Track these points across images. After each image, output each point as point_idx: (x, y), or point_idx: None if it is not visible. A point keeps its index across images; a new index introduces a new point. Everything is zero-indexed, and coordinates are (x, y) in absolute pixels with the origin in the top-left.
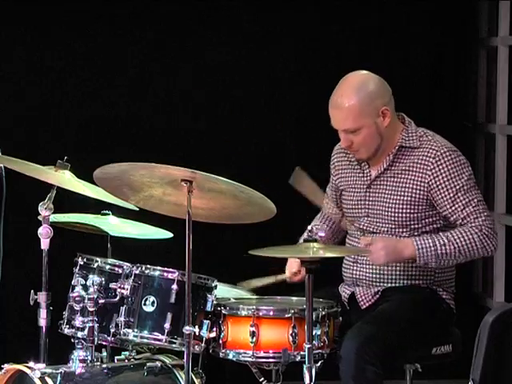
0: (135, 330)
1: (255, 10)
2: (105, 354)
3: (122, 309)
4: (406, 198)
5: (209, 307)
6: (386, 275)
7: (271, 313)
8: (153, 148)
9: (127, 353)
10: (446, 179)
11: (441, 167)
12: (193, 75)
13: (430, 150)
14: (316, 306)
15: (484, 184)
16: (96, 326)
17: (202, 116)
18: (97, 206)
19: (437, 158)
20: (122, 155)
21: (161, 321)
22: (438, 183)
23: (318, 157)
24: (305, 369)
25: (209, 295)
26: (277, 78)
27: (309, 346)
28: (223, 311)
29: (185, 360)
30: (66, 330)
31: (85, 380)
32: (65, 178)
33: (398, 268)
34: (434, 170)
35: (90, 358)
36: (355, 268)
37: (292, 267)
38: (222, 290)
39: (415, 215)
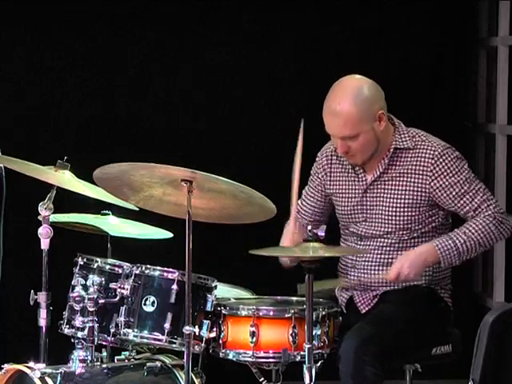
0: (135, 330)
1: (255, 10)
2: (105, 354)
3: (122, 309)
4: (406, 201)
5: (209, 307)
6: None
7: (271, 313)
8: (153, 148)
9: (127, 353)
10: (448, 177)
11: (440, 166)
12: (193, 75)
13: (427, 151)
14: (316, 306)
15: (484, 184)
16: (96, 325)
17: (202, 116)
18: (97, 206)
19: (435, 159)
20: (122, 155)
21: (161, 321)
22: (441, 183)
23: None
24: (305, 369)
25: (209, 295)
26: (277, 78)
27: (309, 346)
28: (223, 311)
29: (185, 360)
30: (66, 330)
31: (85, 380)
32: (65, 178)
33: None
34: (434, 171)
35: (89, 357)
36: (353, 273)
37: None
38: (222, 290)
39: (416, 217)
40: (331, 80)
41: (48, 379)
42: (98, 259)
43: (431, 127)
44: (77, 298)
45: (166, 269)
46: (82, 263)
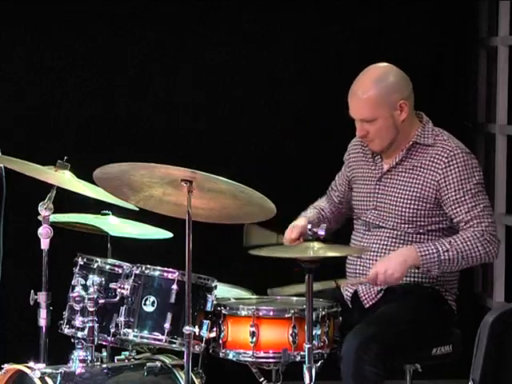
0: (135, 330)
1: (255, 9)
2: (105, 354)
3: (122, 309)
4: (413, 194)
5: (209, 307)
6: None
7: (271, 313)
8: (153, 148)
9: (127, 353)
10: (455, 180)
11: (452, 167)
12: (193, 75)
13: (444, 149)
14: (316, 306)
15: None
16: (96, 325)
17: (202, 116)
18: (97, 206)
19: (449, 158)
20: (122, 155)
21: (161, 321)
22: (447, 182)
23: (318, 157)
24: (305, 369)
25: (209, 295)
26: (277, 78)
27: (309, 346)
28: (223, 311)
29: (185, 360)
30: (66, 330)
31: (85, 380)
32: (65, 178)
33: None
34: (445, 170)
35: (90, 357)
36: (358, 263)
37: (292, 233)
38: (222, 290)
39: (421, 212)
40: (331, 80)
41: (48, 379)
42: (98, 259)
43: None
44: (77, 298)
45: (166, 269)
46: (81, 263)
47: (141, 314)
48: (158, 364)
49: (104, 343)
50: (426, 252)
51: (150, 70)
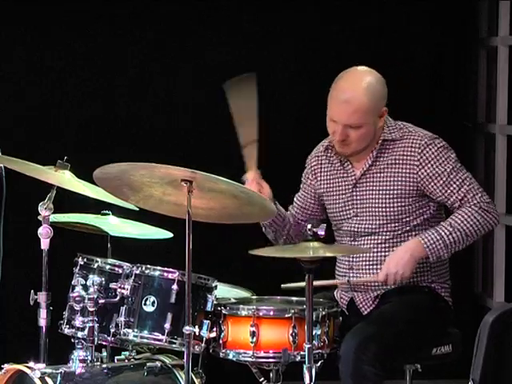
0: (135, 330)
1: (255, 9)
2: (105, 354)
3: (122, 309)
4: (395, 192)
5: (209, 307)
6: None
7: (271, 313)
8: (153, 148)
9: (127, 353)
10: (435, 166)
11: (427, 155)
12: (193, 75)
13: (414, 141)
14: (316, 306)
15: (484, 184)
16: (96, 325)
17: (202, 116)
18: (97, 206)
19: (422, 148)
20: (121, 155)
21: (161, 321)
22: (428, 172)
23: None
24: (305, 369)
25: (209, 295)
26: (277, 78)
27: (309, 345)
28: (223, 311)
29: (185, 360)
30: (66, 330)
31: (85, 380)
32: (65, 178)
33: None
34: (421, 160)
35: (90, 357)
36: (351, 275)
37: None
38: (222, 290)
39: (406, 208)
40: (331, 80)
41: (48, 379)
42: (98, 259)
43: (431, 127)
44: (77, 298)
45: (166, 269)
46: (82, 263)
47: (141, 313)
48: (158, 364)
49: (104, 343)
50: (431, 241)
51: (150, 70)
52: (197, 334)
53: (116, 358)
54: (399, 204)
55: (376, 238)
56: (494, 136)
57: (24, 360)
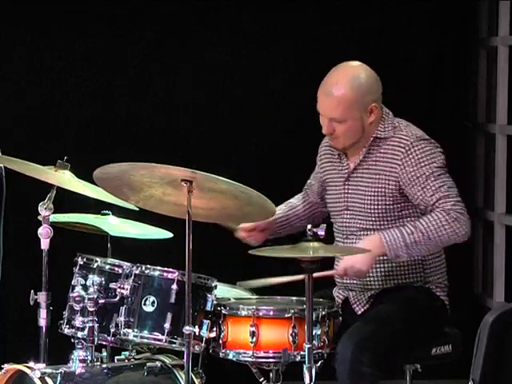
0: (135, 330)
1: (255, 9)
2: (105, 354)
3: (122, 309)
4: (379, 190)
5: (209, 307)
6: (376, 278)
7: (271, 313)
8: (153, 148)
9: (127, 353)
10: (414, 168)
11: (410, 156)
12: (193, 75)
13: (401, 140)
14: (316, 306)
15: (484, 184)
16: (96, 325)
17: (202, 116)
18: (97, 206)
19: (406, 148)
20: (122, 155)
21: (161, 321)
22: (407, 173)
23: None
24: (305, 369)
25: (209, 295)
26: (277, 78)
27: (309, 345)
28: (223, 311)
29: (185, 360)
30: (66, 330)
31: (85, 380)
32: (65, 178)
33: (386, 269)
34: (403, 160)
35: (90, 357)
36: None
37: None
38: (222, 290)
39: (390, 206)
40: None
41: (48, 379)
42: (98, 259)
43: (431, 127)
44: (77, 298)
45: (165, 269)
46: (81, 263)
47: (141, 314)
48: (158, 364)
49: (104, 343)
50: (391, 237)
51: (150, 70)
52: (197, 333)
53: (116, 357)
54: (383, 202)
55: (363, 237)
56: (494, 136)
57: (24, 360)
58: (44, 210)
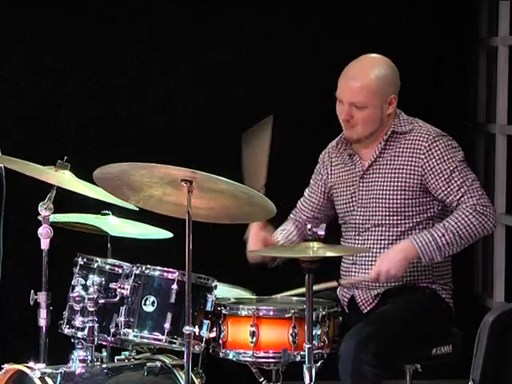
0: (135, 330)
1: (255, 10)
2: (105, 354)
3: (122, 309)
4: (399, 184)
5: (209, 307)
6: None
7: (271, 313)
8: (153, 148)
9: (127, 353)
10: (439, 161)
11: (434, 150)
12: (193, 75)
13: (422, 135)
14: (316, 306)
15: (484, 184)
16: (96, 325)
17: (202, 116)
18: (97, 206)
19: (429, 142)
20: (122, 155)
21: (161, 321)
22: (431, 166)
23: (319, 157)
24: (305, 369)
25: (209, 295)
26: (277, 78)
27: (309, 345)
28: (223, 311)
29: (185, 360)
30: (66, 330)
31: (85, 380)
32: (65, 178)
33: None
34: (427, 154)
35: (90, 357)
36: (353, 270)
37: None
38: (222, 290)
39: (409, 201)
40: (331, 80)
41: (48, 379)
42: (98, 259)
43: None
44: (77, 298)
45: (166, 269)
46: (81, 263)
47: (141, 314)
48: (158, 364)
49: (104, 343)
50: (423, 242)
51: (150, 70)
52: (197, 333)
53: (116, 357)
54: (402, 197)
55: (379, 232)
56: (494, 136)
57: (24, 360)
58: (44, 209)
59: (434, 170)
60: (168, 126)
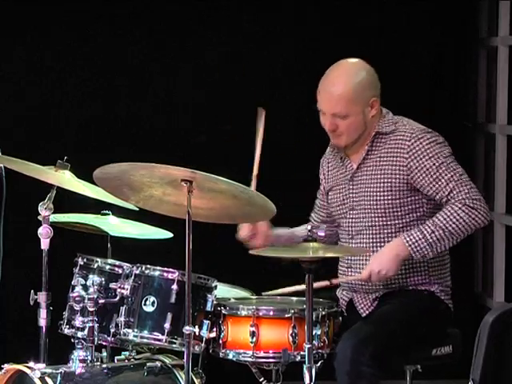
0: (135, 330)
1: (255, 10)
2: (105, 354)
3: (122, 309)
4: (385, 185)
5: (209, 307)
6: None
7: (271, 313)
8: (153, 148)
9: (127, 353)
10: (424, 159)
11: (417, 148)
12: (193, 75)
13: (405, 133)
14: (316, 306)
15: (484, 184)
16: (96, 325)
17: (201, 116)
18: (97, 206)
19: (412, 140)
20: (122, 155)
21: (161, 321)
22: (417, 164)
23: (319, 157)
24: (305, 369)
25: (209, 295)
26: (277, 78)
27: (309, 346)
28: (223, 311)
29: (185, 360)
30: (66, 330)
31: (85, 380)
32: (65, 178)
33: None
34: (411, 153)
35: (89, 357)
36: (350, 274)
37: (244, 231)
38: (222, 290)
39: (396, 201)
40: None
41: (48, 379)
42: (98, 259)
43: (431, 127)
44: (77, 298)
45: (166, 269)
46: (82, 263)
47: (141, 314)
48: (158, 364)
49: (104, 343)
50: (414, 240)
51: (150, 70)
52: (197, 334)
53: (116, 358)
54: (390, 197)
55: (370, 234)
56: (494, 136)
57: (24, 360)
58: (44, 210)
59: (419, 168)
60: (168, 126)
